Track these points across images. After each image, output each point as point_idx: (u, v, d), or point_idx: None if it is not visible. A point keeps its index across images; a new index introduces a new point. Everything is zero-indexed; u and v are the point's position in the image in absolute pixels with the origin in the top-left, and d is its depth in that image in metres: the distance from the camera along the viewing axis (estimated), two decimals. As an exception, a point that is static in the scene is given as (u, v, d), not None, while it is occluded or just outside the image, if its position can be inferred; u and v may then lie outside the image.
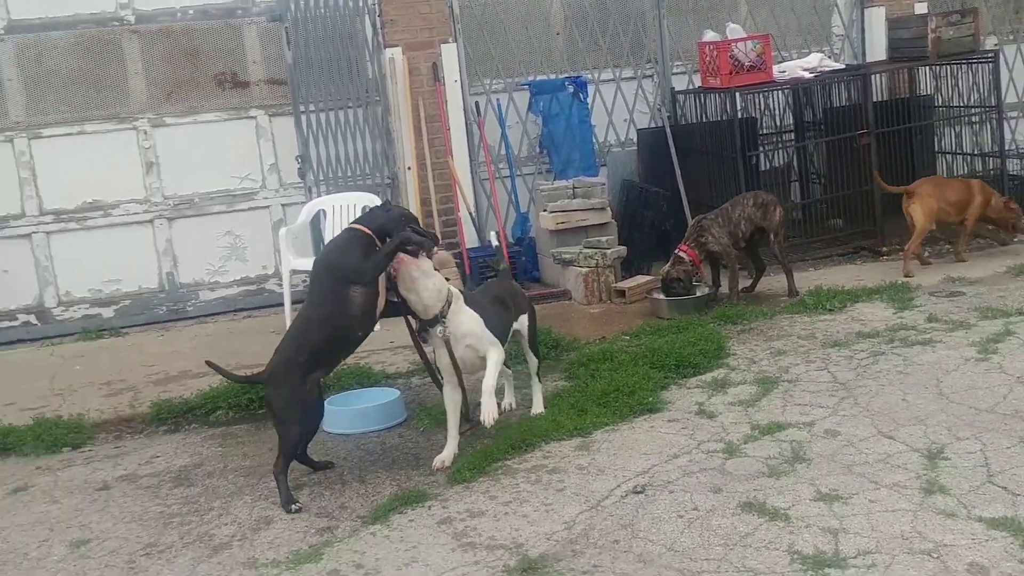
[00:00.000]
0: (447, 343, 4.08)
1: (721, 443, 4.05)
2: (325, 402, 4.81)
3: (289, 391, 3.95)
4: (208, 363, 4.16)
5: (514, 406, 4.73)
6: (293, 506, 3.84)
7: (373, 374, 5.45)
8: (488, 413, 3.98)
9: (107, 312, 7.36)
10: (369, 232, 4.08)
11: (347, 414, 4.71)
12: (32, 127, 7.14)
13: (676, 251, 6.22)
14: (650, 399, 4.58)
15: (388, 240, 4.06)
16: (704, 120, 7.40)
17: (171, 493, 4.17)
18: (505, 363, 4.59)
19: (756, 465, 3.81)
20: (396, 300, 4.12)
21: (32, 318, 7.26)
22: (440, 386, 4.26)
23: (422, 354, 4.31)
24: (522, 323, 4.52)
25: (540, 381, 4.67)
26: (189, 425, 5.08)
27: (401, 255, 4.01)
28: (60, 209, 7.23)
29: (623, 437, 4.24)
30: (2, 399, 5.64)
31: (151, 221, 7.40)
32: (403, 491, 3.91)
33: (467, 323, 4.10)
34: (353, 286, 3.99)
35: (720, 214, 6.27)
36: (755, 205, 6.28)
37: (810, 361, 4.97)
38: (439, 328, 4.05)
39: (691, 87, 7.89)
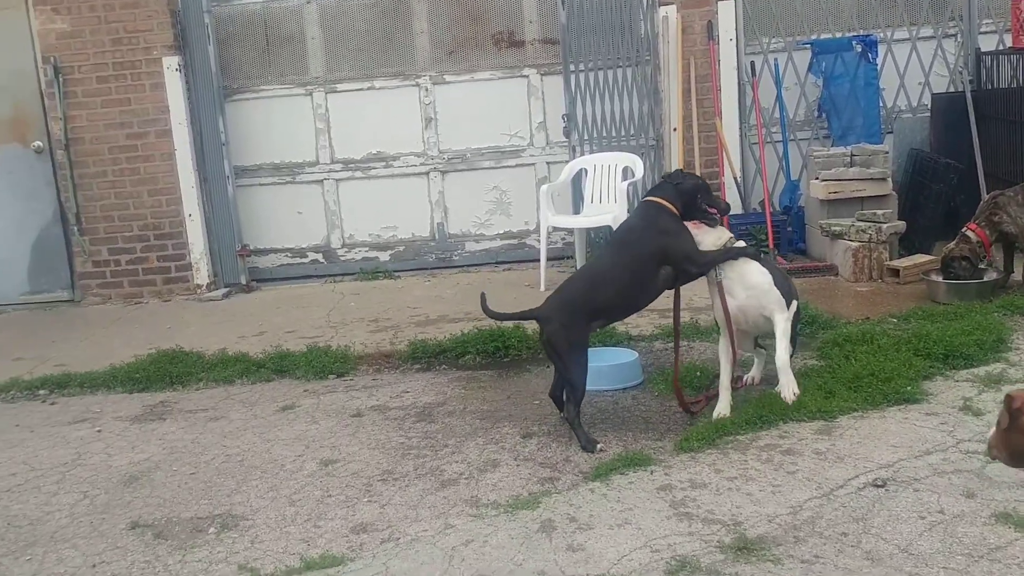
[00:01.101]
0: (720, 291, 4.07)
1: (985, 444, 3.61)
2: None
3: (568, 332, 4.04)
4: (484, 308, 4.33)
5: (756, 380, 4.52)
6: (597, 446, 3.94)
7: (616, 334, 5.43)
8: (787, 388, 3.95)
9: (383, 256, 7.92)
10: (675, 209, 4.17)
11: (584, 371, 4.72)
12: (329, 82, 7.77)
13: (964, 229, 5.61)
14: (908, 388, 4.19)
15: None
16: (1014, 85, 6.56)
17: (413, 427, 4.42)
18: (757, 339, 4.41)
19: (1022, 473, 3.36)
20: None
21: (320, 257, 7.97)
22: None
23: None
24: (791, 310, 4.30)
25: (790, 369, 4.40)
26: (439, 366, 5.35)
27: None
28: (348, 159, 7.84)
29: (871, 426, 3.92)
30: (286, 327, 6.26)
31: (427, 173, 7.83)
32: (628, 452, 3.87)
33: (752, 274, 4.09)
34: (666, 266, 4.11)
35: (1021, 191, 5.57)
36: None
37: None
38: (714, 272, 4.08)
39: (1001, 48, 7.02)
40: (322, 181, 7.88)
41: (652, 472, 3.66)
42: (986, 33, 7.17)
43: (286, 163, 7.82)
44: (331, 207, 7.90)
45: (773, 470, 3.59)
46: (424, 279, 7.55)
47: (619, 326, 5.59)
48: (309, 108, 7.77)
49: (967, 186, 6.47)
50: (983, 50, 7.03)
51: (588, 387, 4.61)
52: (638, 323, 5.71)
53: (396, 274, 7.74)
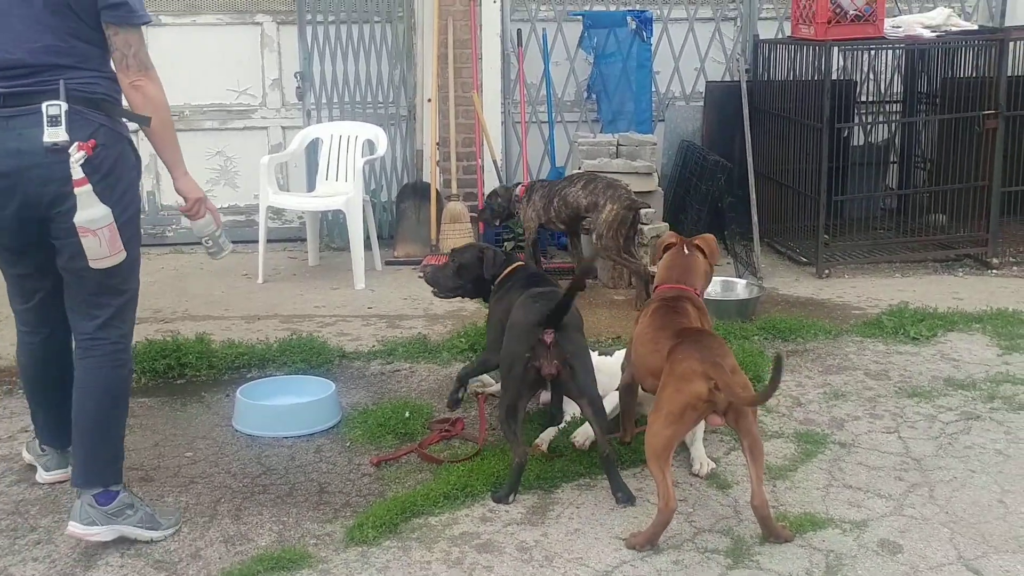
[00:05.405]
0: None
1: (728, 538, 2.88)
2: (237, 391, 3.84)
3: None
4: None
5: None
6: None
7: (328, 349, 4.43)
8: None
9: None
10: None
11: (256, 411, 3.69)
12: None
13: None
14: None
15: None
16: (791, 78, 6.04)
17: (6, 493, 3.21)
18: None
19: (765, 590, 2.65)
20: None
21: None
22: None
23: None
24: None
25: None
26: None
27: None
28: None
29: (595, 501, 3.09)
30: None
31: (135, 132, 6.44)
32: (280, 545, 2.87)
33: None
34: None
35: (551, 183, 5.34)
36: (584, 188, 5.13)
37: (876, 416, 3.74)
38: None
39: (780, 36, 6.50)
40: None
41: (300, 583, 2.69)
42: (766, 19, 6.62)
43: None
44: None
45: (461, 577, 2.71)
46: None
47: (332, 339, 4.62)
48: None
49: (737, 186, 5.90)
50: (761, 37, 6.47)
51: (265, 433, 3.64)
52: (359, 334, 4.74)
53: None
